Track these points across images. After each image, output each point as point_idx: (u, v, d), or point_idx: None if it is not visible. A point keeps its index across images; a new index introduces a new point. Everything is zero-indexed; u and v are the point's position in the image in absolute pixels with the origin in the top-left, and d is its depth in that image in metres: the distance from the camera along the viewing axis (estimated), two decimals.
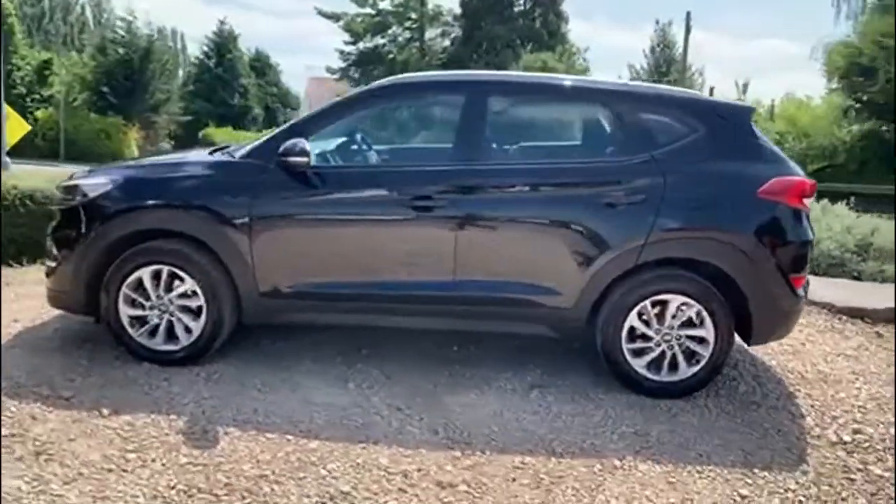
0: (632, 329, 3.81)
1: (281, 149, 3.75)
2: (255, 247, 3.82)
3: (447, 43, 30.02)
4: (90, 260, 3.91)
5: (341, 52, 30.38)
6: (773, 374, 4.35)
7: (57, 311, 4.75)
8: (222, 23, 38.12)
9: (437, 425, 3.45)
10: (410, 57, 29.41)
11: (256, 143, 4.00)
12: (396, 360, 4.16)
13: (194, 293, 3.90)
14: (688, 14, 25.45)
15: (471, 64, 26.50)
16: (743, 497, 3.00)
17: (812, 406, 3.93)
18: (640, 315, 3.80)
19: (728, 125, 3.86)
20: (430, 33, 30.17)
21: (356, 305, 3.93)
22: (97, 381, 3.75)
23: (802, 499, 3.01)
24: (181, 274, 3.88)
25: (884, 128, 21.93)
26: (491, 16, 27.71)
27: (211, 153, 4.26)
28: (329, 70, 30.77)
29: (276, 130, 3.99)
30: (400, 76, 4.10)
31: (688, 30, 25.07)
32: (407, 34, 29.88)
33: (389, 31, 29.48)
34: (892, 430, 3.63)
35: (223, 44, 39.32)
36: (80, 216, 3.94)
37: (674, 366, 3.84)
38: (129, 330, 3.95)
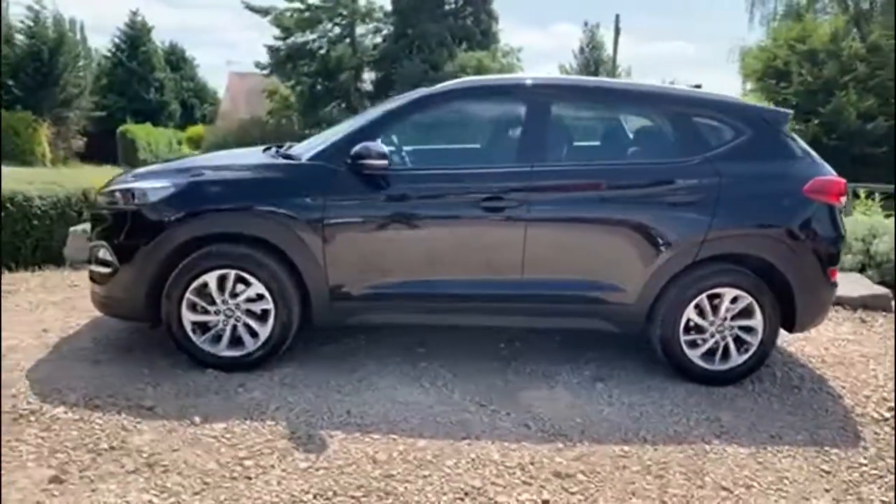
0: (688, 321, 4.04)
1: (354, 151, 3.76)
2: (328, 248, 3.82)
3: (379, 40, 29.85)
4: (153, 265, 3.80)
5: (269, 48, 29.69)
6: (797, 359, 4.68)
7: (84, 319, 4.59)
8: (135, 14, 36.53)
9: (524, 419, 3.57)
10: (345, 53, 29.03)
11: (322, 145, 3.98)
12: (453, 358, 4.24)
13: (260, 297, 3.85)
14: (616, 17, 26.53)
15: (405, 62, 26.50)
16: (826, 472, 3.26)
17: (843, 387, 4.26)
18: (696, 308, 4.03)
19: (770, 128, 4.15)
20: (361, 30, 29.89)
21: (426, 305, 3.99)
22: (169, 389, 3.65)
23: (875, 472, 3.30)
24: (248, 278, 3.83)
25: (798, 127, 23.46)
26: (422, 14, 27.74)
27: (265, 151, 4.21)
28: (258, 65, 30.03)
29: (343, 133, 3.98)
30: (464, 80, 4.18)
31: (617, 31, 26.05)
32: (337, 30, 29.51)
33: (320, 27, 29.05)
34: None
35: (136, 36, 37.71)
36: (140, 221, 3.82)
37: (726, 355, 4.09)
38: (192, 336, 3.86)
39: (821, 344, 5.05)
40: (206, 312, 3.87)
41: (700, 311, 4.04)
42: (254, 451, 3.10)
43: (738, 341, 4.09)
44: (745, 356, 4.09)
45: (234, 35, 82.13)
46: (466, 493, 2.88)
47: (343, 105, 30.53)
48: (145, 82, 39.53)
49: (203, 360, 3.89)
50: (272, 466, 2.99)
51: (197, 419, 3.34)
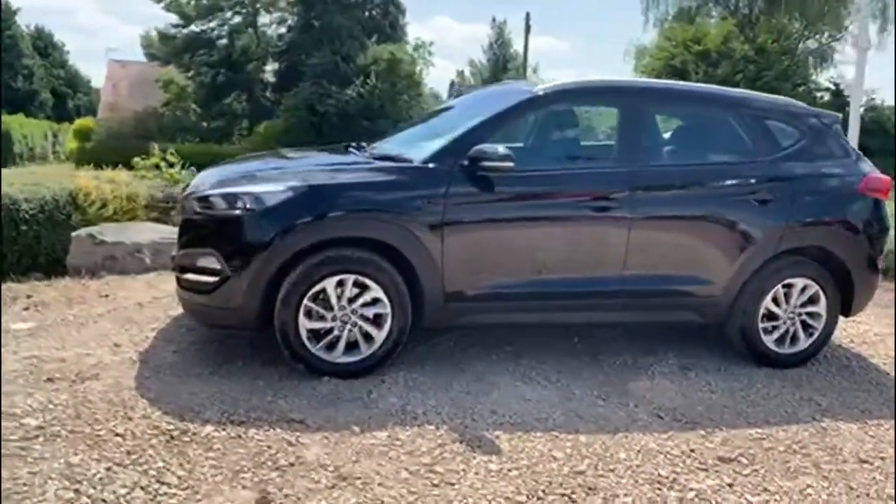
0: (765, 310, 4.36)
1: (473, 152, 3.77)
2: (446, 250, 3.81)
3: (283, 30, 29.01)
4: (269, 272, 3.64)
5: (163, 35, 28.10)
6: (832, 340, 5.11)
7: (148, 332, 4.35)
8: None
9: (653, 410, 3.73)
10: (249, 43, 27.99)
11: (435, 147, 3.94)
12: (542, 355, 4.30)
13: (377, 301, 3.80)
14: (527, 14, 27.22)
15: (316, 53, 25.89)
16: None
17: (883, 363, 4.74)
18: (773, 298, 4.35)
19: (826, 129, 4.54)
20: (265, 19, 28.95)
21: (537, 304, 4.07)
22: (301, 400, 3.54)
23: None
24: (367, 282, 3.76)
25: None
26: (329, 4, 27.24)
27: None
28: (150, 54, 28.30)
29: (455, 134, 3.97)
30: (572, 81, 4.27)
31: (527, 29, 26.75)
32: (238, 19, 28.40)
33: (220, 15, 27.83)
34: None
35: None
36: (255, 226, 3.65)
37: (794, 339, 4.45)
38: (308, 344, 3.75)
39: (841, 324, 5.50)
40: (323, 319, 3.76)
41: (775, 301, 4.37)
42: (436, 457, 3.08)
43: (805, 326, 4.45)
44: (811, 340, 4.47)
45: (94, 20, 76.55)
46: (660, 483, 3.01)
47: (246, 97, 29.49)
48: (12, 69, 36.47)
49: (319, 369, 3.78)
50: (464, 471, 2.99)
51: (356, 429, 3.27)
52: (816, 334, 4.47)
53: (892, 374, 4.56)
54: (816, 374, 4.43)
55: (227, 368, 3.87)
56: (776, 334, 4.41)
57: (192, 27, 27.89)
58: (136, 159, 7.67)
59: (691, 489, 2.98)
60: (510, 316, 4.11)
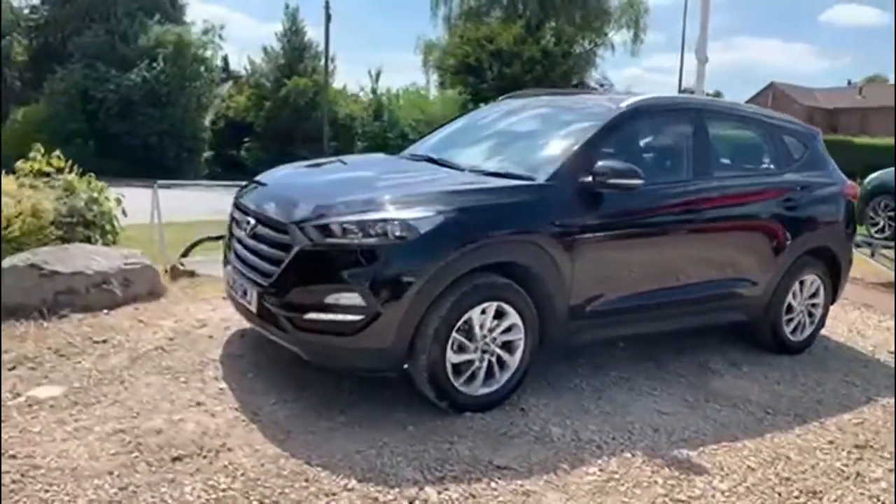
0: (789, 305, 4.89)
1: (597, 169, 3.72)
2: (575, 269, 3.73)
3: (37, 1, 24.98)
4: (423, 306, 3.28)
5: None
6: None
7: (214, 381, 3.70)
8: None
9: (758, 408, 4.00)
10: None
11: (552, 167, 3.81)
12: (614, 364, 4.37)
13: (512, 326, 3.61)
14: (326, 2, 26.46)
15: (86, 31, 22.68)
16: None
17: (844, 340, 5.56)
18: (793, 293, 4.90)
19: (817, 142, 5.19)
20: None
21: (642, 316, 4.14)
22: (473, 443, 3.25)
23: None
24: (506, 308, 3.55)
25: None
26: None
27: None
28: None
29: (570, 151, 3.86)
30: (650, 96, 4.32)
31: (328, 18, 26.06)
32: None
33: None
34: None
35: None
36: (408, 255, 3.25)
37: (803, 328, 5.05)
38: (453, 379, 3.45)
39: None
40: (464, 351, 3.48)
41: (794, 295, 4.91)
42: (665, 485, 3.04)
43: (809, 315, 5.07)
44: (813, 327, 5.10)
45: None
46: (847, 476, 3.28)
47: None
48: None
49: (462, 404, 3.49)
50: (702, 495, 3.00)
51: (564, 466, 3.10)
52: (816, 322, 5.11)
53: (871, 348, 5.35)
54: (822, 358, 5.05)
55: (355, 416, 3.41)
56: (792, 325, 4.96)
57: None
58: (19, 163, 6.21)
59: (874, 479, 3.30)
60: (618, 329, 4.14)
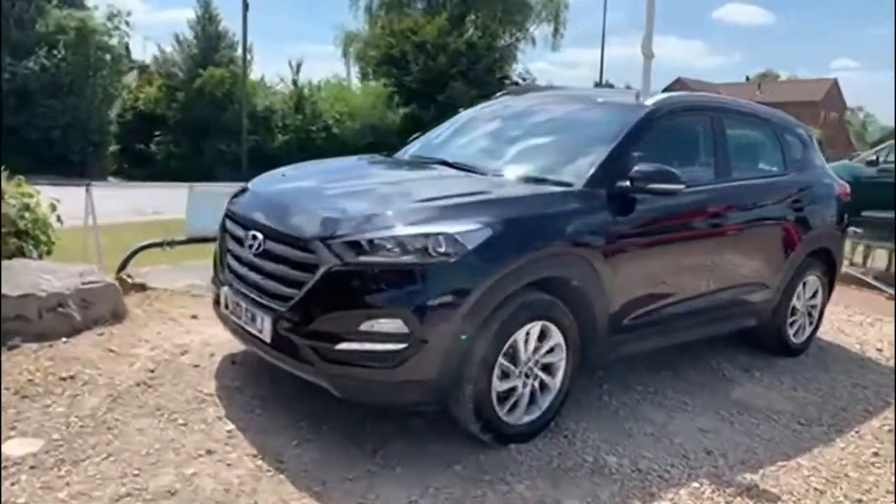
0: (793, 307, 4.80)
1: (635, 173, 3.46)
2: (615, 280, 3.45)
3: None
4: (470, 331, 2.92)
5: None
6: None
7: (218, 420, 3.24)
8: None
9: (790, 419, 3.87)
10: None
11: (591, 168, 3.50)
12: (638, 377, 4.16)
13: (555, 347, 3.30)
14: None
15: None
16: None
17: (833, 340, 5.57)
18: (797, 296, 4.82)
19: (812, 141, 5.13)
20: None
21: (674, 326, 3.93)
22: (536, 482, 2.93)
23: None
24: (549, 327, 3.24)
25: (421, 112, 26.01)
26: None
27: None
28: None
29: (603, 154, 3.55)
30: (675, 95, 4.07)
31: (245, 7, 24.79)
32: None
33: None
34: None
35: None
36: (455, 275, 2.87)
37: (803, 330, 4.99)
38: (498, 409, 3.11)
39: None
40: (508, 377, 3.14)
41: (797, 298, 4.83)
42: None
43: (809, 316, 5.02)
44: (812, 327, 5.06)
45: None
46: None
47: None
48: None
49: (507, 435, 3.16)
50: None
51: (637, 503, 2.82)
52: (814, 321, 5.07)
53: (857, 346, 5.37)
54: (820, 359, 5.01)
55: (391, 455, 3.01)
56: (795, 327, 4.89)
57: None
58: None
59: None
60: (653, 341, 3.90)
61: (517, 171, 3.65)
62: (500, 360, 3.05)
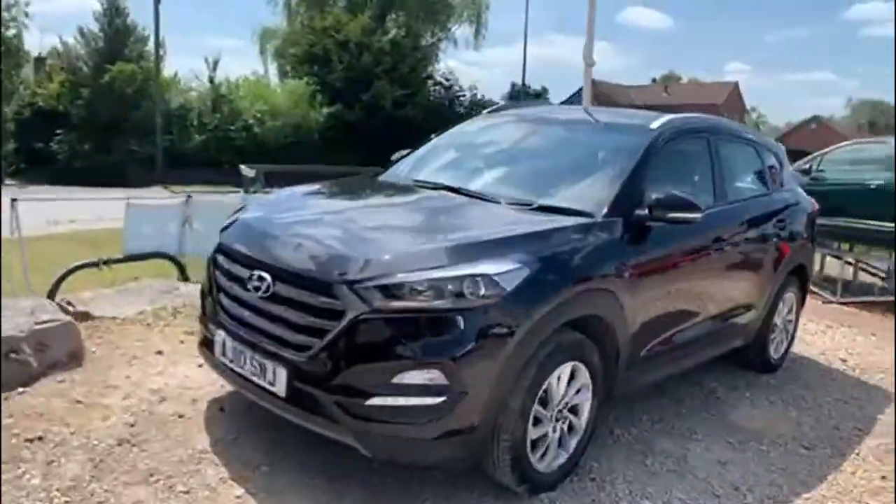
0: (774, 324, 4.85)
1: (654, 202, 3.35)
2: (637, 312, 3.34)
3: None
4: (512, 377, 2.72)
5: None
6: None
7: (227, 489, 2.92)
8: None
9: (793, 444, 3.85)
10: None
11: (609, 199, 3.35)
12: (635, 407, 4.09)
13: (582, 387, 3.15)
14: None
15: None
16: None
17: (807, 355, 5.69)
18: (778, 314, 4.87)
19: (785, 160, 5.20)
20: None
21: (676, 355, 3.84)
22: None
23: None
24: (580, 367, 3.08)
25: (345, 112, 25.38)
26: None
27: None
28: None
29: (618, 182, 3.42)
30: (677, 117, 3.96)
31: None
32: None
33: None
34: None
35: None
36: (495, 320, 2.65)
37: (781, 344, 5.06)
38: (531, 458, 2.93)
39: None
40: (540, 423, 2.96)
41: (777, 314, 4.89)
42: None
43: (785, 331, 5.09)
44: (787, 343, 5.14)
45: None
46: None
47: None
48: None
49: (540, 484, 2.99)
50: None
51: None
52: (790, 336, 5.15)
53: (822, 356, 5.50)
54: (797, 373, 5.09)
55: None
56: (774, 343, 4.94)
57: None
58: None
59: None
60: (663, 371, 3.81)
61: (533, 198, 3.45)
62: (536, 405, 2.87)
